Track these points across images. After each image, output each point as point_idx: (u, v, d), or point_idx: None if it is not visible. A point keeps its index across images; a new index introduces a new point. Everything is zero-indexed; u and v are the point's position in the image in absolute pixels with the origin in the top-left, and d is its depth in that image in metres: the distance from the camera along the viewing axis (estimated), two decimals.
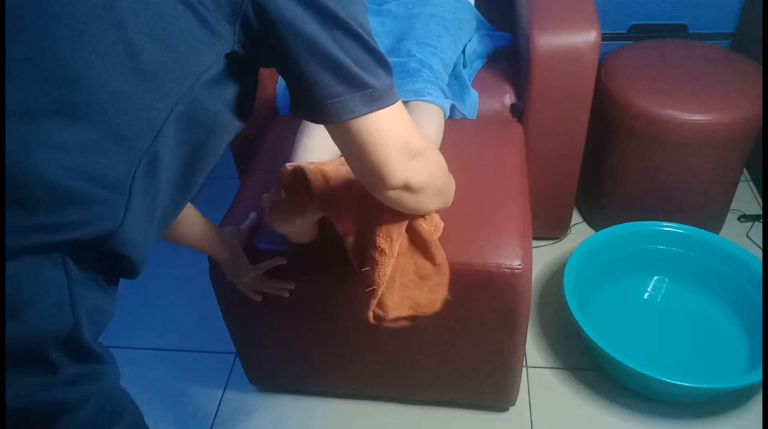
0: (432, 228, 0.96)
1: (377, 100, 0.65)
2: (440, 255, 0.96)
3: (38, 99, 0.48)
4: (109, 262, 0.57)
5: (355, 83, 0.63)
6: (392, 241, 0.91)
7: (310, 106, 0.64)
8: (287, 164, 0.94)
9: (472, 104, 1.37)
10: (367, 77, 0.64)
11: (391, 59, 1.33)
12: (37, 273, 0.50)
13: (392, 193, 0.76)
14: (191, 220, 0.94)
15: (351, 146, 0.69)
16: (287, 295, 1.10)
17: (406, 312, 0.97)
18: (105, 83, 0.51)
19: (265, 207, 0.98)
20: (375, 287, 0.91)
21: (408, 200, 0.79)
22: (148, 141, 0.54)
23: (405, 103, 1.22)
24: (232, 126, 0.67)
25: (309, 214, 0.96)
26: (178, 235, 0.93)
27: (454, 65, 1.41)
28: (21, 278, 0.48)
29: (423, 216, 0.94)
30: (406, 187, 0.75)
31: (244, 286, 1.09)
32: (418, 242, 0.96)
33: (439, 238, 0.99)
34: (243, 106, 0.67)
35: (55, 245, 0.50)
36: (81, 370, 0.54)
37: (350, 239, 0.94)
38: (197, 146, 0.62)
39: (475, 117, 1.37)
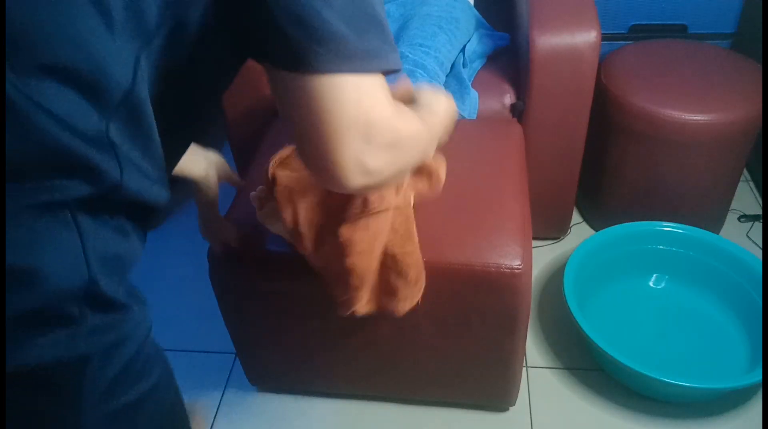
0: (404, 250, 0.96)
1: (350, 59, 0.52)
2: (413, 273, 0.97)
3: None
4: (125, 209, 0.54)
5: (323, 30, 0.51)
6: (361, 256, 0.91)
7: (257, 44, 0.53)
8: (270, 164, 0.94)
9: (472, 104, 1.36)
10: (342, 27, 0.51)
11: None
12: (46, 235, 0.47)
13: (355, 190, 0.61)
14: None
15: (299, 114, 0.55)
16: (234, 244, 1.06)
17: (373, 309, 1.00)
18: (77, 35, 0.45)
19: (255, 205, 0.97)
20: (347, 298, 0.92)
21: (375, 188, 0.69)
22: (123, 88, 0.49)
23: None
24: (219, 50, 0.58)
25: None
26: None
27: (453, 65, 1.41)
28: (30, 242, 0.46)
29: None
30: (366, 188, 0.61)
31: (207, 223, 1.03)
32: (389, 263, 0.96)
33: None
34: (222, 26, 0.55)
35: (59, 204, 0.47)
36: (103, 320, 0.52)
37: (309, 248, 0.95)
38: (183, 78, 0.56)
39: (474, 117, 1.36)
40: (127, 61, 0.49)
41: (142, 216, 0.58)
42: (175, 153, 0.65)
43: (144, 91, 0.51)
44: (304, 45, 0.51)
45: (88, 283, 0.49)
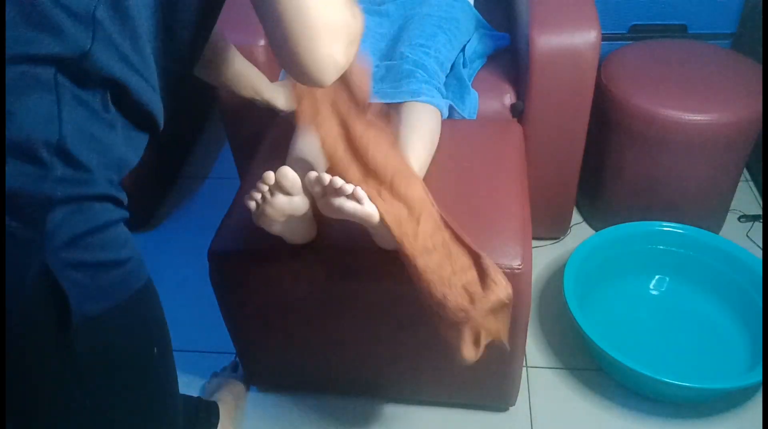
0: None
1: None
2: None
3: None
4: (111, 91, 0.63)
5: None
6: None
7: None
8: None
9: (472, 104, 1.36)
10: None
11: (385, 63, 1.33)
12: (27, 81, 0.57)
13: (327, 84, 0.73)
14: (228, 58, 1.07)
15: (277, 23, 0.66)
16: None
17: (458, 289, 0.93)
18: None
19: (250, 207, 0.96)
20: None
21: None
22: None
23: (400, 104, 1.21)
24: None
25: (295, 208, 0.94)
26: (226, 74, 1.09)
27: (454, 65, 1.41)
28: (13, 82, 0.57)
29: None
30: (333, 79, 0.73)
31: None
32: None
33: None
34: None
35: (41, 59, 0.58)
36: (73, 174, 0.61)
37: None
38: None
39: (474, 117, 1.37)
40: None
41: (133, 113, 0.67)
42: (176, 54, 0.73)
43: None
44: None
45: (59, 140, 0.59)
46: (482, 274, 0.93)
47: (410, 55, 1.31)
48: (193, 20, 0.73)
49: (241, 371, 1.38)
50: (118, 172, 0.67)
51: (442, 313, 0.92)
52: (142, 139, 0.72)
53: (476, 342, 0.95)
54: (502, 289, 0.92)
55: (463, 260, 0.95)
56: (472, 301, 0.92)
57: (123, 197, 0.68)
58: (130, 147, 0.69)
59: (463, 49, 1.46)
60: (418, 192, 0.94)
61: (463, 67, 1.43)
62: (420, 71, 1.28)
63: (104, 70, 0.62)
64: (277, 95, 1.20)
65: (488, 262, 0.94)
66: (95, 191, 0.63)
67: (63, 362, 0.66)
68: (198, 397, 1.20)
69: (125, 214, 0.69)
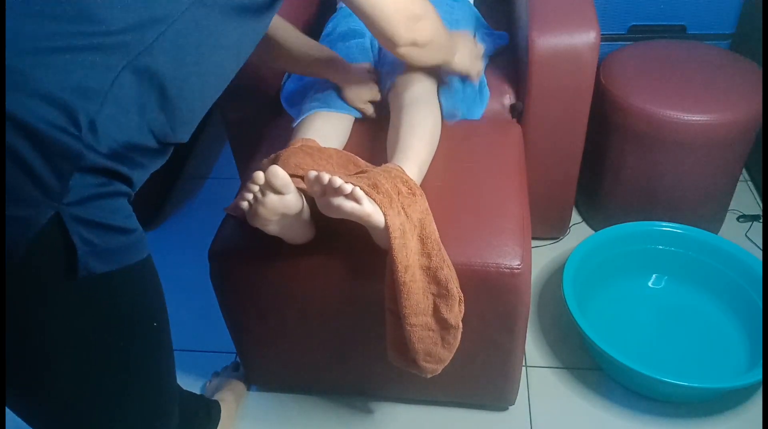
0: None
1: None
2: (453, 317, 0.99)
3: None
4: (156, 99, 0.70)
5: None
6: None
7: None
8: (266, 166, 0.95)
9: (485, 103, 1.37)
10: None
11: (387, 60, 1.33)
12: (95, 54, 0.65)
13: (403, 50, 1.01)
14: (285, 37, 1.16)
15: (360, 14, 0.93)
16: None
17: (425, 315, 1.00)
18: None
19: (242, 207, 0.96)
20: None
21: (416, 54, 1.04)
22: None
23: (400, 102, 1.22)
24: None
25: (288, 207, 0.94)
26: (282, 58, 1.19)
27: None
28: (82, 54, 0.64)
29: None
30: (414, 44, 1.01)
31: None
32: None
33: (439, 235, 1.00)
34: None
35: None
36: (99, 149, 0.65)
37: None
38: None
39: (479, 117, 1.37)
40: None
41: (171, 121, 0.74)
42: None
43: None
44: None
45: (93, 118, 0.64)
46: (447, 299, 0.99)
47: None
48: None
49: (242, 371, 1.38)
50: (140, 171, 0.72)
51: (406, 326, 0.98)
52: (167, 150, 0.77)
53: (427, 358, 1.03)
54: (455, 315, 0.99)
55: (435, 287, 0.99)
56: (436, 316, 0.99)
57: (135, 178, 0.71)
58: (158, 156, 0.75)
59: None
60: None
61: None
62: None
63: (160, 71, 0.68)
64: (336, 76, 1.26)
65: (456, 290, 0.99)
66: (117, 171, 0.67)
67: (64, 314, 0.69)
68: (199, 395, 1.20)
69: (131, 192, 0.72)
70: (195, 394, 1.17)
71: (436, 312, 0.98)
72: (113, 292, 0.72)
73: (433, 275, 0.97)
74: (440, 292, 0.98)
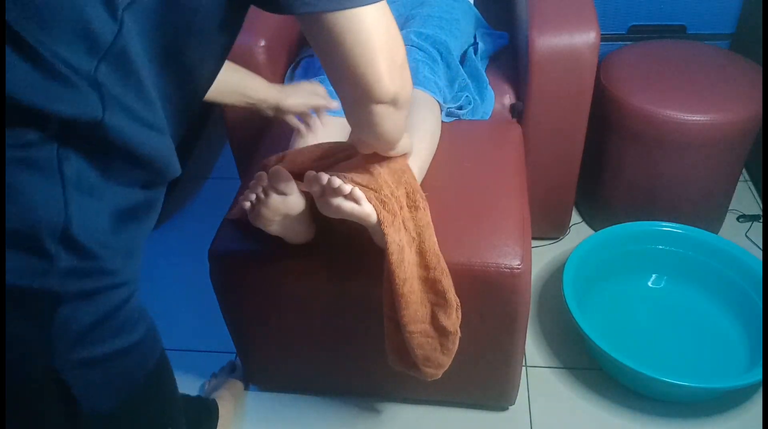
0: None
1: None
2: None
3: None
4: (122, 160, 0.59)
5: None
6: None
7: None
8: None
9: (489, 103, 1.37)
10: None
11: None
12: (31, 164, 0.53)
13: (379, 108, 0.73)
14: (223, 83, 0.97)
15: (331, 46, 0.65)
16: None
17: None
18: None
19: (245, 208, 0.96)
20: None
21: (391, 118, 0.76)
22: (109, 36, 0.55)
23: None
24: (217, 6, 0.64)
25: (290, 207, 0.94)
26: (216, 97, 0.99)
27: (469, 64, 1.41)
28: (15, 167, 0.52)
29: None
30: (394, 102, 0.73)
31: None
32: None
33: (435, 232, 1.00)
34: None
35: (44, 118, 0.53)
36: (78, 264, 0.56)
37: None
38: (177, 29, 0.61)
39: (488, 117, 1.37)
40: (110, 17, 0.55)
41: (149, 172, 0.62)
42: (185, 101, 0.69)
43: (132, 42, 0.56)
44: None
45: (65, 225, 0.54)
46: (444, 305, 0.99)
47: (414, 38, 1.31)
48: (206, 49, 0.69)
49: (239, 371, 1.38)
50: (130, 253, 0.63)
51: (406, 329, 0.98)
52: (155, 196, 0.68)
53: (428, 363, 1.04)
54: (453, 322, 0.99)
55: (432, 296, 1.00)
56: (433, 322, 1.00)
57: (136, 273, 0.64)
58: (144, 211, 0.66)
59: (475, 49, 1.47)
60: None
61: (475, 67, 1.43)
62: (418, 51, 1.28)
63: (118, 136, 0.57)
64: (270, 98, 1.07)
65: (454, 298, 0.99)
66: (107, 282, 0.59)
67: None
68: (198, 397, 1.20)
69: (137, 286, 0.65)
70: (194, 396, 1.17)
71: (435, 320, 0.99)
72: (123, 422, 0.65)
73: (431, 285, 0.98)
74: (438, 301, 0.98)
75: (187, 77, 0.66)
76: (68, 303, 0.56)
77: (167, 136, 0.64)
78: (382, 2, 0.65)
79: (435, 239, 0.99)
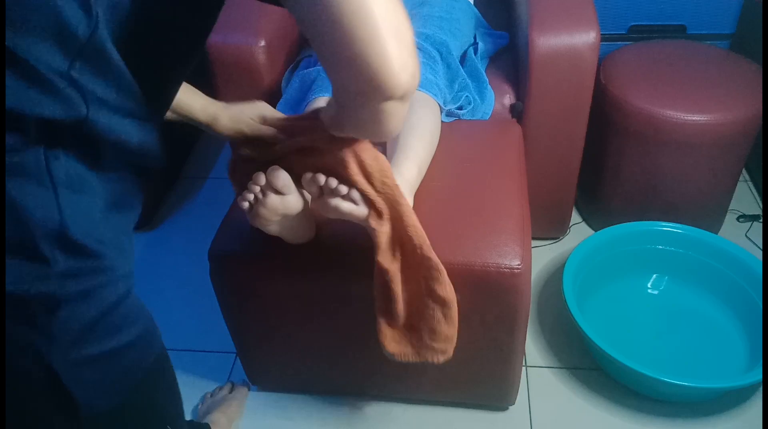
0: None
1: None
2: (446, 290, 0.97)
3: None
4: (110, 154, 0.57)
5: None
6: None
7: None
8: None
9: (489, 103, 1.37)
10: None
11: None
12: (19, 170, 0.52)
13: (388, 106, 0.60)
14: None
15: (324, 26, 0.54)
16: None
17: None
18: None
19: (243, 208, 0.96)
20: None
21: (399, 115, 0.64)
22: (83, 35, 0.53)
23: None
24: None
25: (289, 207, 0.93)
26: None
27: (471, 62, 1.41)
28: (11, 177, 0.51)
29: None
30: (403, 98, 0.60)
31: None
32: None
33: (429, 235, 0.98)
34: None
35: (27, 122, 0.51)
36: (75, 264, 0.55)
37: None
38: (151, 16, 0.58)
39: (488, 117, 1.37)
40: (85, 13, 0.52)
41: (138, 163, 0.61)
42: (163, 88, 0.66)
43: (108, 34, 0.54)
44: None
45: (60, 227, 0.53)
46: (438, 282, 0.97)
47: (414, 38, 1.31)
48: (184, 37, 0.65)
49: (236, 392, 1.35)
50: (121, 245, 0.61)
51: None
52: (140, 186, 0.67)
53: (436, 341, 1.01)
54: (449, 290, 0.97)
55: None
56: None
57: (130, 267, 0.63)
58: (132, 200, 0.64)
59: (475, 49, 1.47)
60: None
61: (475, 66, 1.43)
62: (418, 51, 1.28)
63: (105, 130, 0.56)
64: (219, 117, 0.92)
65: (441, 266, 0.97)
66: (104, 279, 0.58)
67: None
68: (189, 421, 1.17)
69: (133, 282, 0.64)
70: (185, 421, 1.14)
71: (432, 293, 0.97)
72: (121, 420, 0.65)
73: (421, 263, 0.96)
74: (432, 274, 0.96)
75: (163, 64, 0.64)
76: (67, 304, 0.55)
77: (152, 124, 0.63)
78: None
79: (414, 216, 0.95)
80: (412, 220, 0.95)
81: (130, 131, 0.59)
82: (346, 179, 0.90)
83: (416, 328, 1.01)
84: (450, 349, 1.03)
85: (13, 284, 0.52)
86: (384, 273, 0.96)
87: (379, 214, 0.92)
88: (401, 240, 0.97)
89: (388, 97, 0.59)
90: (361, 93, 0.59)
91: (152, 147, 0.63)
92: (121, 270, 0.61)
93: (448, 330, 1.01)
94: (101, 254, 0.58)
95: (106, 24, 0.54)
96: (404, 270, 0.97)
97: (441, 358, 1.04)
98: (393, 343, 1.05)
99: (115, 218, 0.60)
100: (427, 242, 0.96)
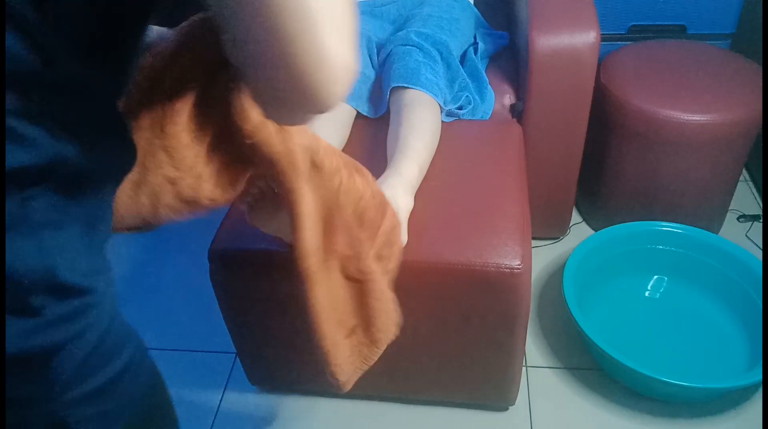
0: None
1: None
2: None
3: None
4: (88, 176, 0.52)
5: None
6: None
7: None
8: None
9: (490, 103, 1.37)
10: None
11: (387, 61, 1.33)
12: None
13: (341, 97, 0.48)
14: None
15: (244, 18, 0.43)
16: None
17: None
18: None
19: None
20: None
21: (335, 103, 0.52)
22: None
23: (399, 97, 1.22)
24: None
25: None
26: None
27: (469, 64, 1.41)
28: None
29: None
30: (333, 106, 0.48)
31: None
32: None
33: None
34: None
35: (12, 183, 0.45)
36: (67, 308, 0.52)
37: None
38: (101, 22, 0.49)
39: (488, 117, 1.37)
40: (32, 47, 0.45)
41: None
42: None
43: (62, 55, 0.47)
44: None
45: (45, 273, 0.49)
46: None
47: (414, 38, 1.31)
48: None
49: None
50: (101, 266, 0.56)
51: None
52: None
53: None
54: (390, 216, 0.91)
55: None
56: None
57: (112, 282, 0.58)
58: (106, 210, 0.58)
59: (475, 49, 1.47)
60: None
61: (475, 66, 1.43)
62: (418, 51, 1.28)
63: (79, 158, 0.50)
64: None
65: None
66: (96, 312, 0.55)
67: None
68: None
69: (117, 299, 0.59)
70: None
71: (378, 256, 0.93)
72: None
73: (360, 216, 0.90)
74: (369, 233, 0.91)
75: (122, 67, 0.56)
76: (63, 349, 0.52)
77: (125, 133, 0.57)
78: None
79: (355, 183, 0.88)
80: (353, 184, 0.86)
81: (104, 147, 0.53)
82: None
83: (354, 328, 0.95)
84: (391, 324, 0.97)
85: (7, 344, 0.48)
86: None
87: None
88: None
89: (319, 112, 0.48)
90: (284, 105, 0.48)
91: (127, 157, 0.58)
92: (108, 294, 0.57)
93: (382, 306, 0.95)
94: (90, 288, 0.54)
95: (58, 44, 0.46)
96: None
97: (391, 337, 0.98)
98: (345, 367, 0.99)
99: (94, 239, 0.56)
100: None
